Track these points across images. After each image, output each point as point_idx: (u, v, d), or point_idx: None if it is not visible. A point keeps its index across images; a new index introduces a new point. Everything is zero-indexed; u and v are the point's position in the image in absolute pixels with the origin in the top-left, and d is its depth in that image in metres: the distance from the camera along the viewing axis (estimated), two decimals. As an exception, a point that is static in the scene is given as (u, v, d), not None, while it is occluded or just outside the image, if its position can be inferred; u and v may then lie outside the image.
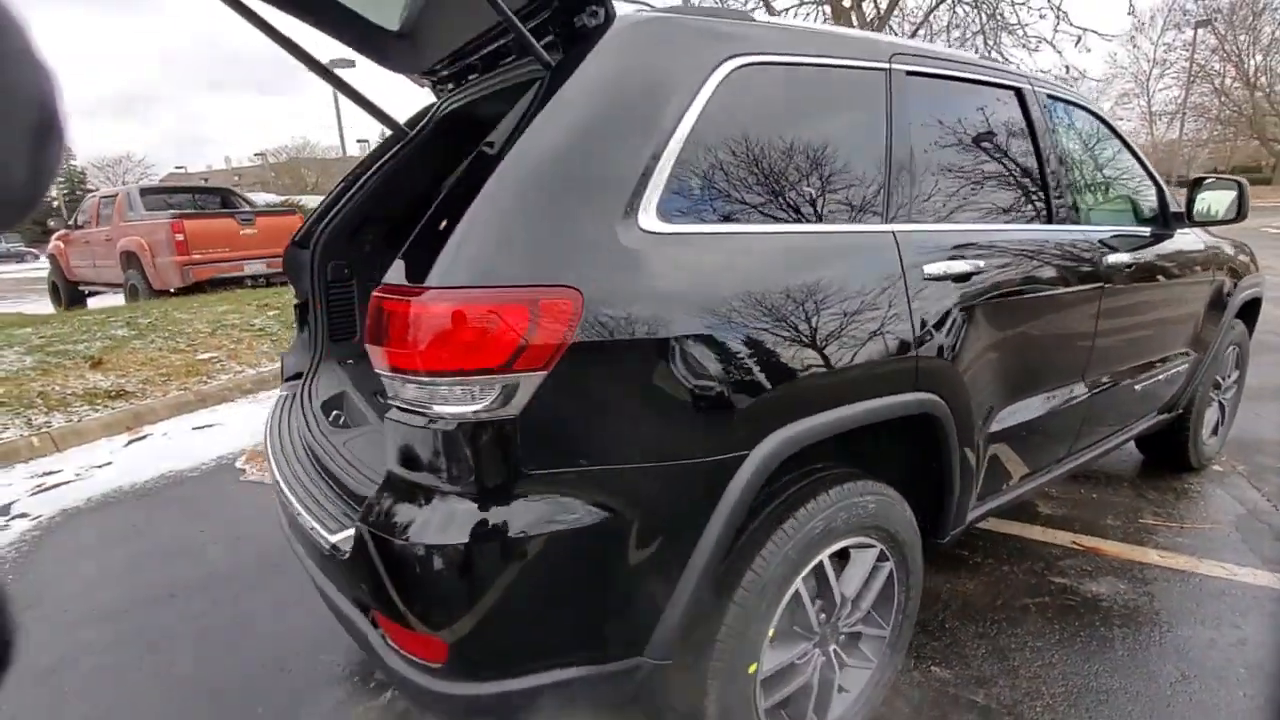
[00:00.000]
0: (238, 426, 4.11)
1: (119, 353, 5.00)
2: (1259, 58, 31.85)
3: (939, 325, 1.53)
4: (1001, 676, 1.77)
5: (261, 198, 16.59)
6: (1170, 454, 2.96)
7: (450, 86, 2.14)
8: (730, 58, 1.33)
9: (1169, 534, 2.48)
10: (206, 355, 5.09)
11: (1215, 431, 3.06)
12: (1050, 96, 2.14)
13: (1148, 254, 2.34)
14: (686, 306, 1.18)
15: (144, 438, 3.97)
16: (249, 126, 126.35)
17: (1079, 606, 2.06)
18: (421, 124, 2.20)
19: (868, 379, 1.40)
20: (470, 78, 2.06)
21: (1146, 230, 2.43)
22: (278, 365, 5.07)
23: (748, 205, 1.34)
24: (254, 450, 3.67)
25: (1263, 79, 32.52)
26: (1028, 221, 1.94)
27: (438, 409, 1.06)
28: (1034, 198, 1.98)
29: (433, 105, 2.28)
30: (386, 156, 2.20)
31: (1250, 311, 3.09)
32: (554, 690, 1.16)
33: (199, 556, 2.55)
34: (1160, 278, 2.40)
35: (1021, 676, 1.77)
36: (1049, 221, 1.98)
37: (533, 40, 1.25)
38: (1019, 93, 1.99)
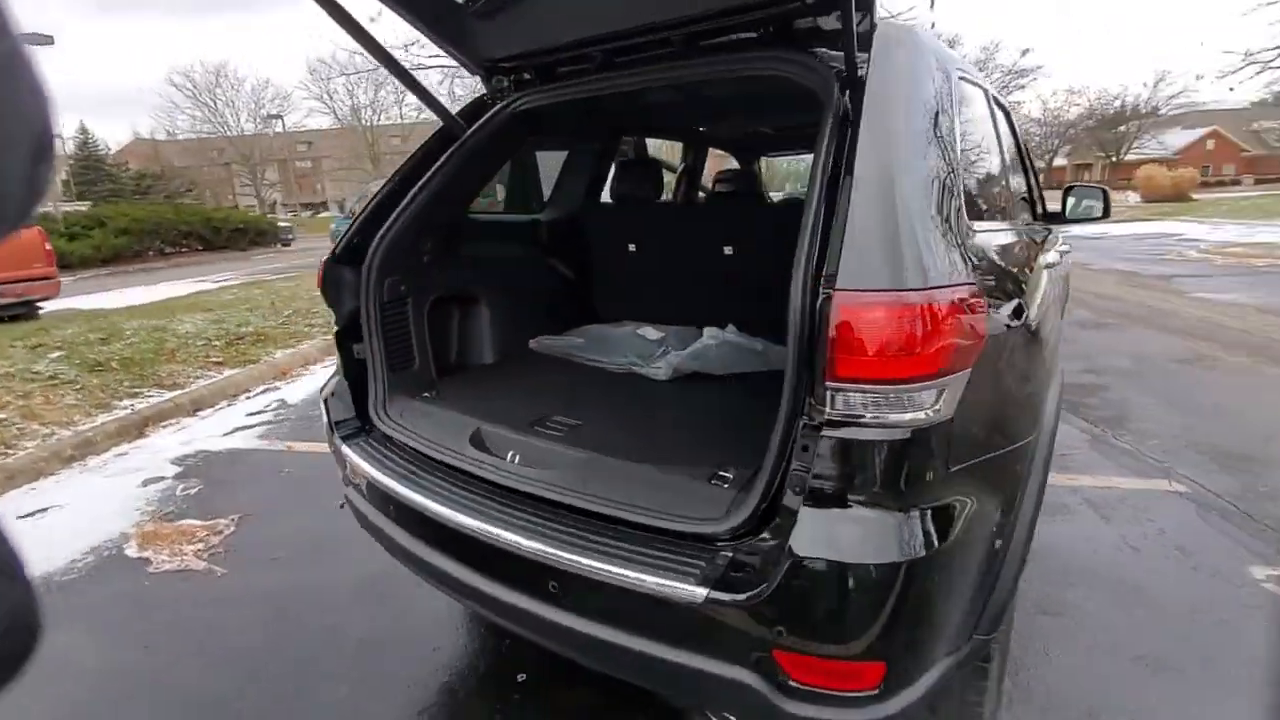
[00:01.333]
0: (84, 506, 3.10)
1: None
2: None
3: None
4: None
5: None
6: None
7: (537, 82, 1.93)
8: (955, 70, 1.46)
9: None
10: (-21, 419, 3.73)
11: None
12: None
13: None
14: (1006, 293, 1.27)
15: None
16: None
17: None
18: (485, 120, 1.94)
19: None
20: (563, 75, 1.88)
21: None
22: (99, 422, 3.94)
23: (979, 205, 1.48)
24: (145, 527, 2.81)
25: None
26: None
27: (895, 417, 0.99)
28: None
29: (484, 99, 2.03)
30: (448, 154, 1.90)
31: None
32: (940, 683, 1.15)
33: None
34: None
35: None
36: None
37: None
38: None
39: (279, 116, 41.16)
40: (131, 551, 2.66)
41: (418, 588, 2.37)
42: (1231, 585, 2.24)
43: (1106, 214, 3.04)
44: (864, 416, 1.00)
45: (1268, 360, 4.88)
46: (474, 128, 1.92)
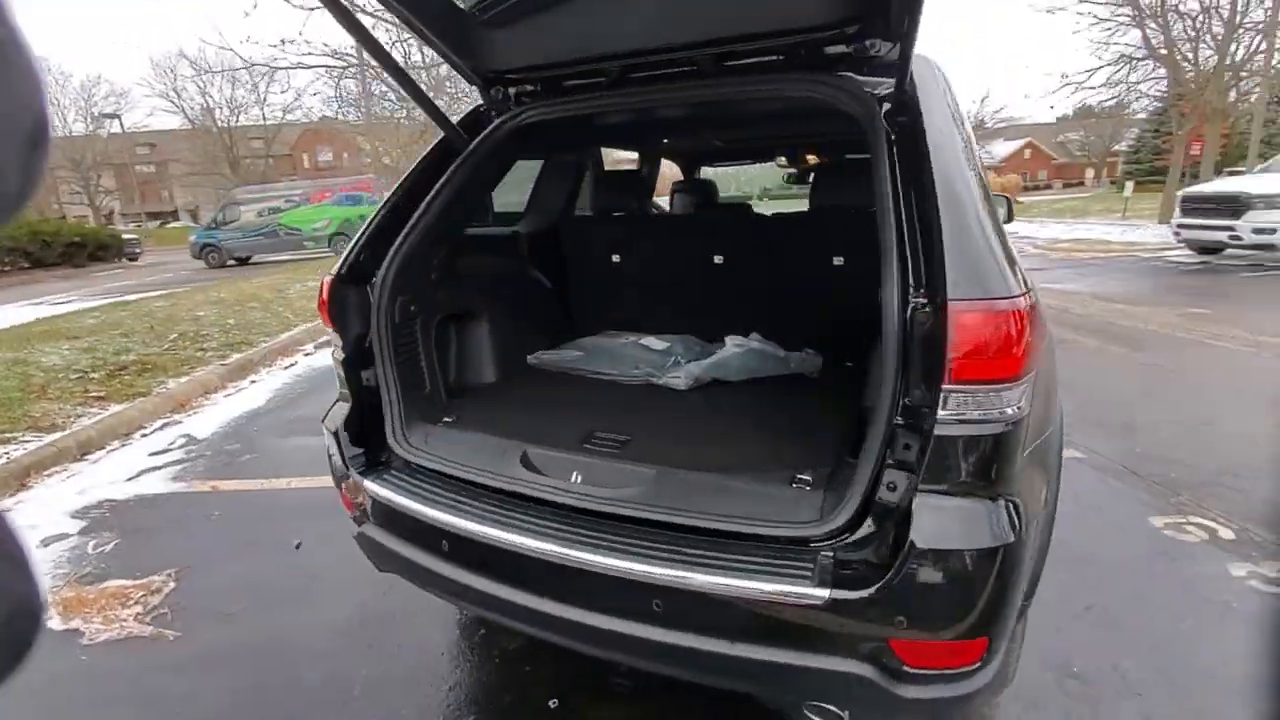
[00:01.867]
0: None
1: None
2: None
3: None
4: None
5: None
6: None
7: (543, 96, 1.90)
8: None
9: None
10: None
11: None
12: None
13: None
14: None
15: None
16: None
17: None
18: (489, 131, 1.88)
19: None
20: (571, 90, 1.87)
21: None
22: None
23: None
24: (62, 593, 2.43)
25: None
26: None
27: (995, 414, 1.10)
28: None
29: (480, 110, 1.97)
30: (453, 167, 1.83)
31: None
32: (1011, 645, 1.28)
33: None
34: None
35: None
36: None
37: None
38: None
39: (115, 116, 36.57)
40: (55, 624, 2.29)
41: (408, 621, 2.27)
42: (1141, 535, 2.61)
43: (1010, 219, 3.46)
44: (972, 414, 1.10)
45: (1113, 340, 5.67)
46: (477, 140, 1.86)
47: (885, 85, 1.48)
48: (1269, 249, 8.63)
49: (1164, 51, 17.18)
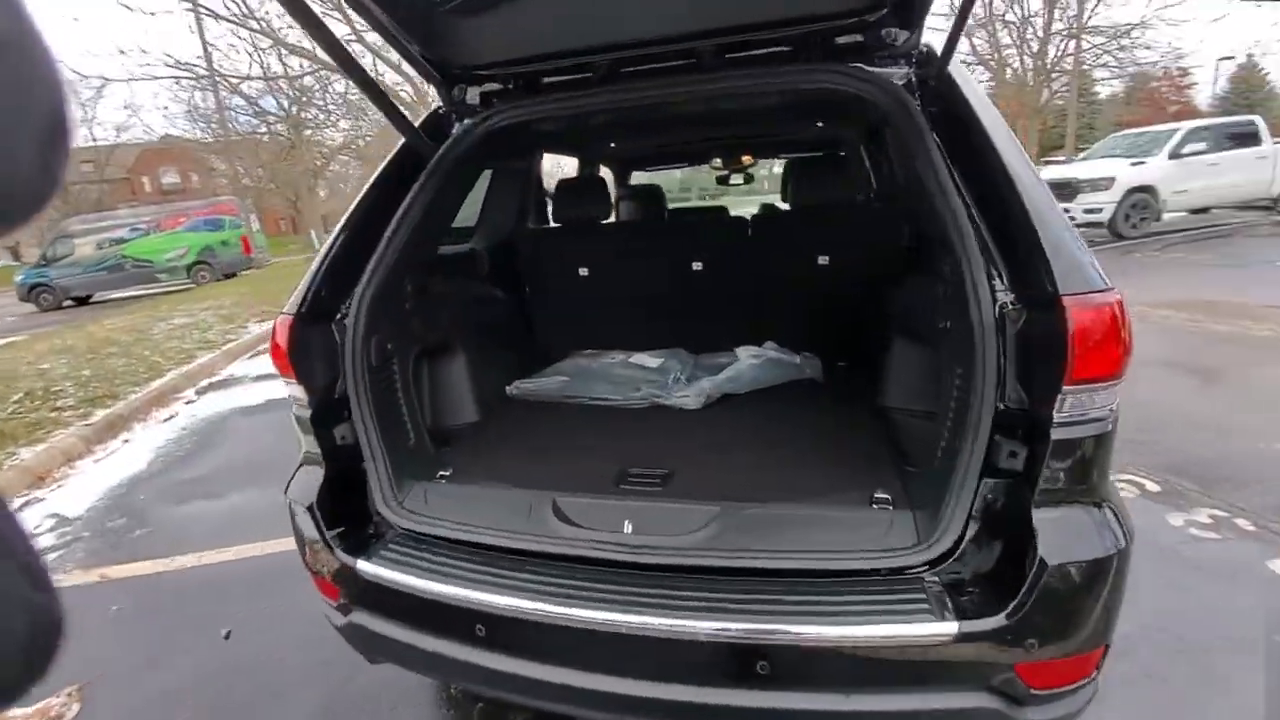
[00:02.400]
0: None
1: None
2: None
3: None
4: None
5: None
6: None
7: (517, 94, 1.69)
8: None
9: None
10: None
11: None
12: None
13: None
14: None
15: None
16: None
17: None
18: (458, 136, 1.66)
19: None
20: (550, 87, 1.68)
21: None
22: None
23: None
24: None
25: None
26: None
27: (1101, 412, 1.05)
28: None
29: (439, 112, 1.74)
30: (422, 179, 1.59)
31: None
32: None
33: None
34: None
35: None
36: None
37: None
38: None
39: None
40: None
41: (391, 712, 1.96)
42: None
43: None
44: (1086, 415, 1.04)
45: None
46: (445, 147, 1.63)
47: (899, 74, 1.43)
48: (1098, 225, 9.83)
49: (991, 57, 19.49)
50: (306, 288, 1.45)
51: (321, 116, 19.34)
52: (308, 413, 1.44)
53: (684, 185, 7.29)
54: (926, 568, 1.12)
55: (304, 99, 18.55)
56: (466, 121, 1.65)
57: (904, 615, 1.05)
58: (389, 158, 1.65)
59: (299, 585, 1.57)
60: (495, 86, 1.70)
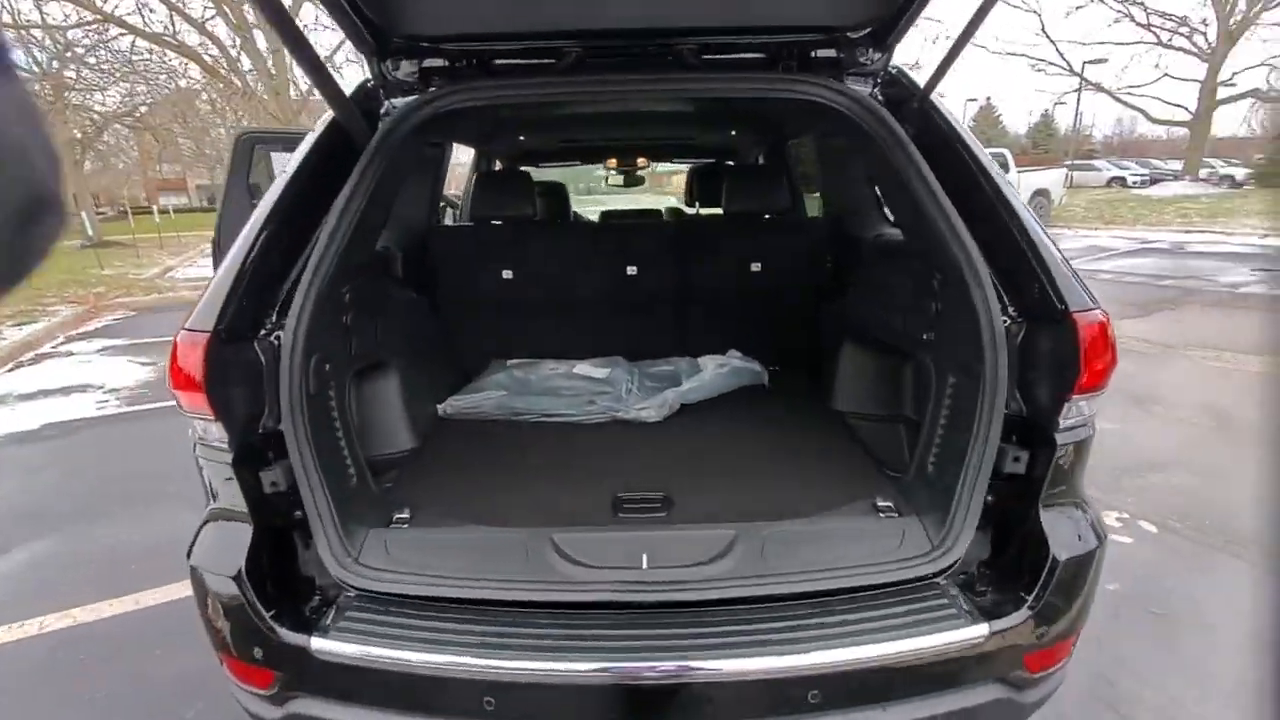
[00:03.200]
0: None
1: None
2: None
3: None
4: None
5: None
6: None
7: (466, 74, 1.48)
8: None
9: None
10: None
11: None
12: None
13: None
14: None
15: None
16: None
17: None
18: (400, 118, 1.42)
19: None
20: (505, 70, 1.50)
21: None
22: None
23: None
24: None
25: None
26: None
27: (1091, 417, 1.15)
28: None
29: (368, 85, 1.49)
30: (362, 167, 1.34)
31: None
32: None
33: None
34: None
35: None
36: None
37: None
38: None
39: None
40: None
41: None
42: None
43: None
44: (1080, 422, 1.14)
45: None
46: (386, 127, 1.39)
47: (866, 93, 1.47)
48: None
49: None
50: (222, 301, 1.13)
51: (94, 78, 16.04)
52: (228, 455, 1.12)
53: (578, 180, 7.08)
54: (944, 573, 1.16)
55: (68, 54, 15.29)
56: (411, 99, 1.40)
57: (939, 624, 1.08)
58: (312, 138, 1.35)
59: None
60: (440, 63, 1.48)
